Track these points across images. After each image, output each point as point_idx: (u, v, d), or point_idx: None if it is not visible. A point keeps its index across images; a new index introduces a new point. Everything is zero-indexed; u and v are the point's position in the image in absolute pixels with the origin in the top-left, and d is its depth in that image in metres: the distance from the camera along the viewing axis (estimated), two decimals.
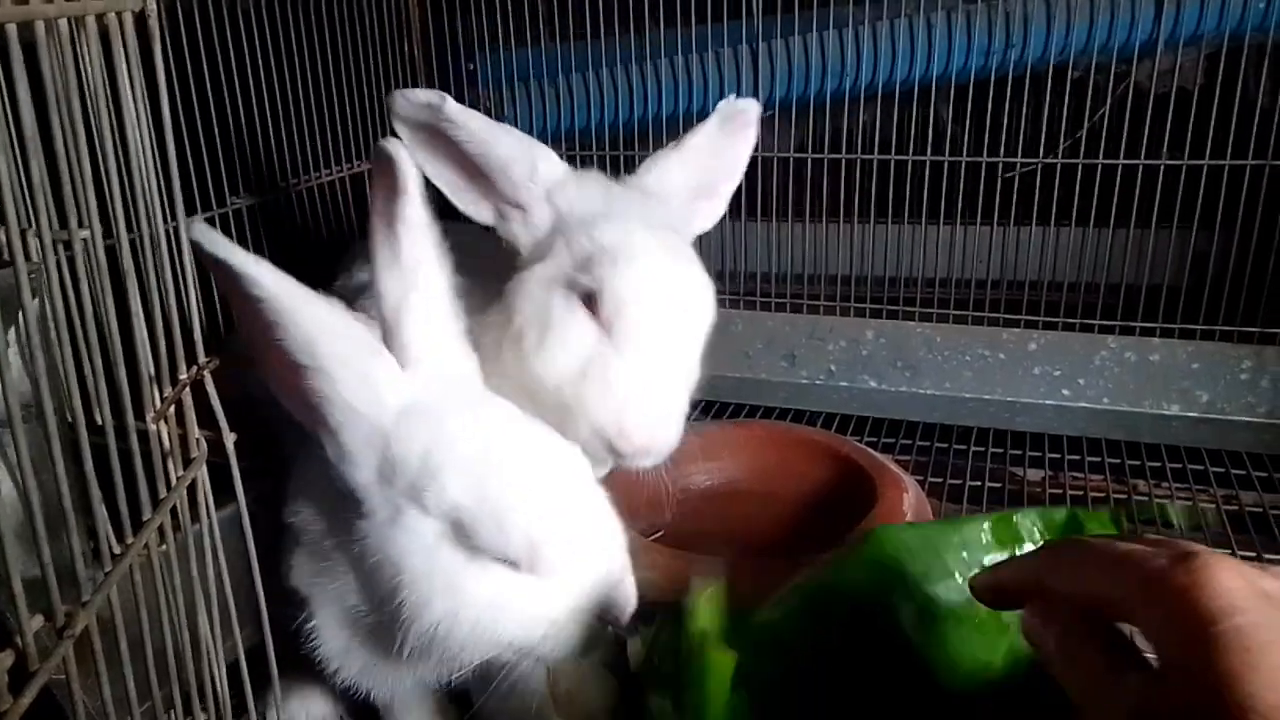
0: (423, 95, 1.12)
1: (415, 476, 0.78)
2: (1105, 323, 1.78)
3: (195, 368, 0.66)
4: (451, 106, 1.12)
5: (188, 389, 0.65)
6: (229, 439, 0.68)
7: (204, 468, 0.69)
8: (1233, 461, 1.68)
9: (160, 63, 0.66)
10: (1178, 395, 1.77)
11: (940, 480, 1.67)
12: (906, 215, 1.83)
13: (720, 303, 1.27)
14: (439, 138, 1.15)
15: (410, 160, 0.87)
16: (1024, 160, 1.74)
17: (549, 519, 0.79)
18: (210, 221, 1.52)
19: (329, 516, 0.89)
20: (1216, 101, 1.61)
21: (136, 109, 0.64)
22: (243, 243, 1.55)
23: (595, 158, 1.99)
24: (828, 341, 1.94)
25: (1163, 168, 1.66)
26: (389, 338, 0.84)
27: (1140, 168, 1.67)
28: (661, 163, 1.22)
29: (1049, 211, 1.75)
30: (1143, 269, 1.76)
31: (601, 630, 0.81)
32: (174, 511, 0.67)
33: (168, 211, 0.66)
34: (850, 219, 1.88)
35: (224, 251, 0.74)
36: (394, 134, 1.13)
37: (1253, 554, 1.41)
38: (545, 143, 2.06)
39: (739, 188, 1.32)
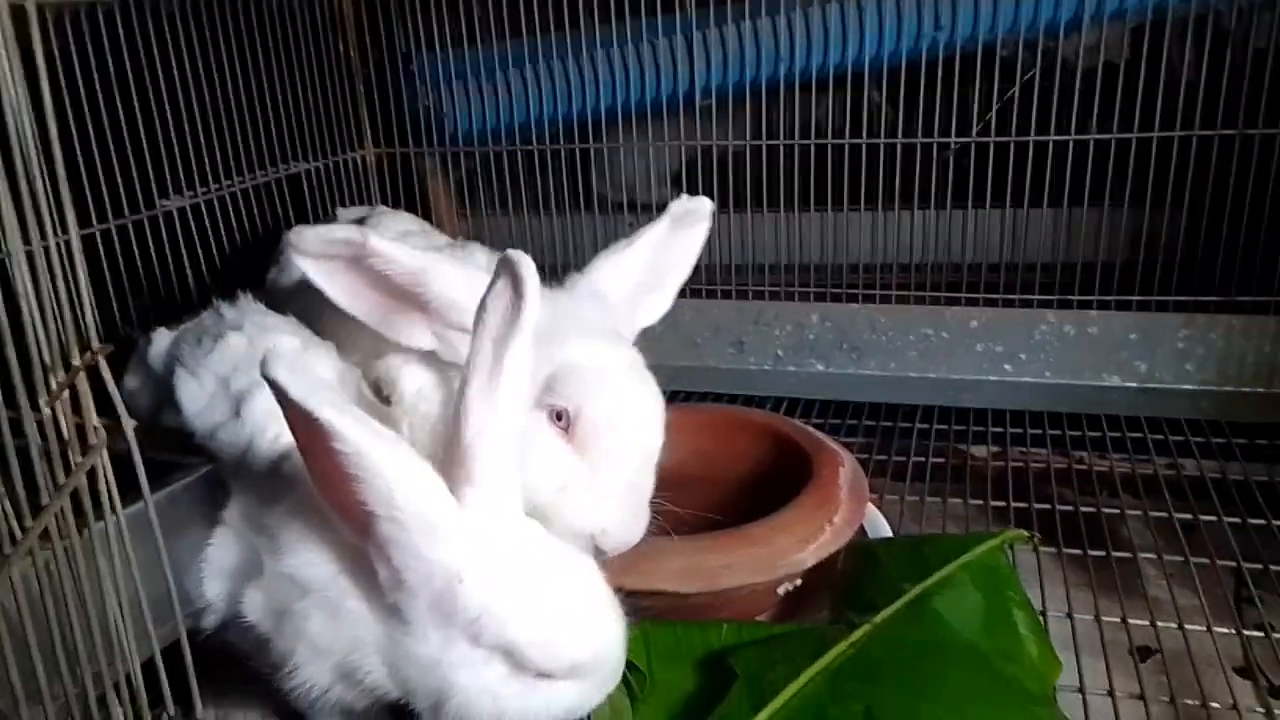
0: (340, 233, 1.05)
1: (475, 619, 0.82)
2: (1044, 297, 1.81)
3: (89, 353, 0.65)
4: (377, 243, 1.05)
5: (83, 375, 0.65)
6: (129, 424, 0.67)
7: (104, 453, 0.68)
8: (1171, 429, 1.71)
9: (41, 60, 0.65)
10: (1116, 366, 1.80)
11: (886, 458, 1.68)
12: (846, 200, 1.84)
13: None
14: (358, 268, 1.08)
15: (535, 296, 0.85)
16: (956, 139, 1.76)
17: (589, 644, 0.85)
18: (140, 225, 1.51)
19: (361, 604, 0.88)
20: (1143, 75, 1.63)
21: (17, 105, 0.62)
22: (175, 245, 1.56)
23: (536, 152, 1.99)
24: (774, 327, 1.96)
25: (1092, 142, 1.69)
26: (453, 460, 0.86)
27: (1070, 143, 1.70)
28: (612, 261, 1.21)
29: (984, 191, 1.77)
30: (1079, 244, 1.78)
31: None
32: (77, 501, 0.66)
33: (54, 204, 0.65)
34: (807, 208, 1.87)
35: (309, 402, 0.74)
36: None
37: (1189, 517, 1.44)
38: (487, 140, 2.08)
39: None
